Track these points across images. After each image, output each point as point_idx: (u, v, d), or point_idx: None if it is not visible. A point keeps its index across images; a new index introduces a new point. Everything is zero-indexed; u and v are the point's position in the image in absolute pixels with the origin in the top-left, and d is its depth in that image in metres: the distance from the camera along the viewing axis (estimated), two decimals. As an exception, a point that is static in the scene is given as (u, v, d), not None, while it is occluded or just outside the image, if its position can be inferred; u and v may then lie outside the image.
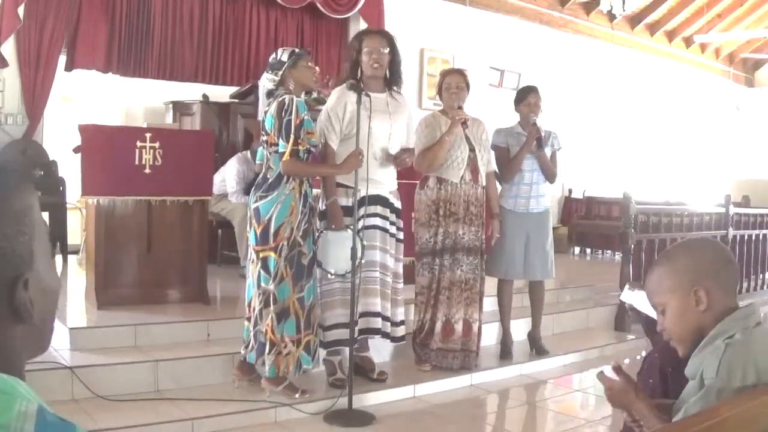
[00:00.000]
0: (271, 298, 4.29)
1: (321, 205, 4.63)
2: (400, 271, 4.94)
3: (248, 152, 6.94)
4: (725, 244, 8.13)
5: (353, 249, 4.35)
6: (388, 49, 4.73)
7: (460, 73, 5.35)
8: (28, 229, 1.01)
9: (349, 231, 4.46)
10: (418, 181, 5.34)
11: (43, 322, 1.07)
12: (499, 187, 5.63)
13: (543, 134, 5.56)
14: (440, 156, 5.08)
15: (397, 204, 4.88)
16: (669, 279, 1.96)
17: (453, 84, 5.20)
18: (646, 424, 1.96)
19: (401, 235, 4.91)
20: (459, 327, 5.18)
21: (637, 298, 2.56)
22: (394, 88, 4.85)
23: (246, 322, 4.46)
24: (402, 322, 4.97)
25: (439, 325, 5.17)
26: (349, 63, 4.83)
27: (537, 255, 5.62)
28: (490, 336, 5.96)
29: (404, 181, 5.35)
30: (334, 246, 4.46)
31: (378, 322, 4.75)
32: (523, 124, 5.67)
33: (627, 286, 2.96)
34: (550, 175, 5.68)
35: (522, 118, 5.69)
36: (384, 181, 4.74)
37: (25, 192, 1.03)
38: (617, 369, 2.10)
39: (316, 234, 4.53)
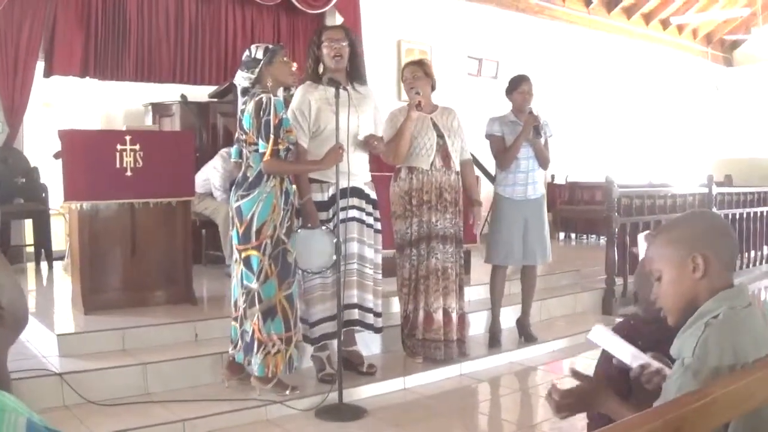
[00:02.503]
0: (256, 297, 4.29)
1: (296, 203, 4.63)
2: (380, 261, 4.97)
3: (231, 149, 6.91)
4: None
5: (336, 244, 4.37)
6: (347, 41, 4.78)
7: (417, 63, 5.39)
8: None
9: (324, 228, 4.49)
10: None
11: (13, 316, 1.06)
12: (481, 175, 5.65)
13: (541, 122, 5.61)
14: (403, 144, 5.10)
15: (373, 195, 4.91)
16: (668, 245, 1.96)
17: (409, 75, 5.25)
18: (621, 417, 1.92)
19: (379, 226, 4.94)
20: (439, 317, 5.19)
21: (606, 340, 2.40)
22: (357, 82, 4.88)
23: (233, 322, 4.47)
24: (380, 314, 4.99)
25: (421, 315, 5.18)
26: (311, 60, 4.86)
27: (536, 240, 5.71)
28: (478, 325, 5.99)
29: (380, 173, 5.39)
30: (310, 244, 4.46)
31: (355, 313, 4.78)
32: (516, 113, 5.72)
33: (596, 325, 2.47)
34: (544, 162, 5.76)
35: (515, 106, 5.75)
36: (357, 173, 4.76)
37: None
38: (575, 373, 2.09)
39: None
